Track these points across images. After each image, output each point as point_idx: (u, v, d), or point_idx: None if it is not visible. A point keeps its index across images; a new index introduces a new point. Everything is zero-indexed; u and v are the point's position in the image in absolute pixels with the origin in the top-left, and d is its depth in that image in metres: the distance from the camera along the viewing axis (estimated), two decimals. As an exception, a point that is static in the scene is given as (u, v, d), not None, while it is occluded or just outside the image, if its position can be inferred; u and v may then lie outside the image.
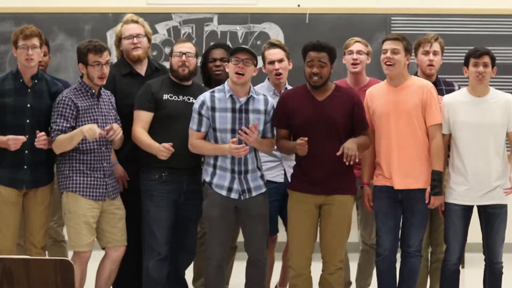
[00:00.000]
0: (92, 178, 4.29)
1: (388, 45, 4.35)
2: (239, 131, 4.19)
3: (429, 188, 4.32)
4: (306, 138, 4.11)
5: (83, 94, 4.32)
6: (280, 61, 4.66)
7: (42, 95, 4.33)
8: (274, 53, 4.67)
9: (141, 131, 4.38)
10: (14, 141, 4.16)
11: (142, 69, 4.71)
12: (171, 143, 4.25)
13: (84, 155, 4.29)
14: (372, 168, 4.44)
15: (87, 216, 4.28)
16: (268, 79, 4.77)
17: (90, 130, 4.14)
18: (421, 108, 4.32)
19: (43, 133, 4.20)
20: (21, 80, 4.30)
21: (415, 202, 4.33)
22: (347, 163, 4.14)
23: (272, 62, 4.67)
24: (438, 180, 4.32)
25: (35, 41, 4.26)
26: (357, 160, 4.19)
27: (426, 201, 4.33)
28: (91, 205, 4.29)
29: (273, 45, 4.73)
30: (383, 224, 4.39)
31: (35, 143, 4.18)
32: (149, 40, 4.74)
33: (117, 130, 4.26)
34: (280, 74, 4.66)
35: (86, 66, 4.29)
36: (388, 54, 4.32)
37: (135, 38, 4.64)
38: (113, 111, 4.43)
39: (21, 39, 4.24)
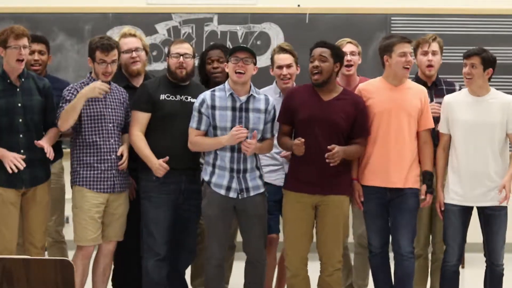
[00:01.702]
0: (99, 171, 4.33)
1: (407, 48, 4.35)
2: (242, 143, 4.17)
3: (425, 187, 4.35)
4: (303, 140, 4.11)
5: None
6: (288, 66, 4.68)
7: (32, 93, 4.34)
8: (283, 59, 4.68)
9: (139, 137, 4.39)
10: (14, 162, 4.18)
11: (138, 82, 4.71)
12: (167, 159, 4.29)
13: (92, 147, 4.33)
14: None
15: (92, 211, 4.32)
16: (276, 82, 4.78)
17: (93, 87, 4.21)
18: (419, 112, 4.36)
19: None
20: (8, 81, 4.30)
21: (405, 200, 4.34)
22: (327, 160, 4.13)
23: (280, 67, 4.68)
24: (431, 180, 4.37)
25: (26, 41, 4.27)
26: (331, 165, 4.16)
27: (422, 197, 4.36)
28: (97, 200, 4.33)
29: (283, 49, 4.74)
30: (372, 223, 4.41)
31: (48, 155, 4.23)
32: (146, 53, 4.76)
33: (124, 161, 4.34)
34: (288, 78, 4.67)
35: (93, 62, 4.35)
36: (410, 57, 4.34)
37: (133, 52, 4.66)
38: (123, 106, 4.45)
39: (12, 39, 4.22)
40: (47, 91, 4.39)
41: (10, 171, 4.17)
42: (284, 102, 4.36)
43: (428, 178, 4.37)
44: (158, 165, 4.31)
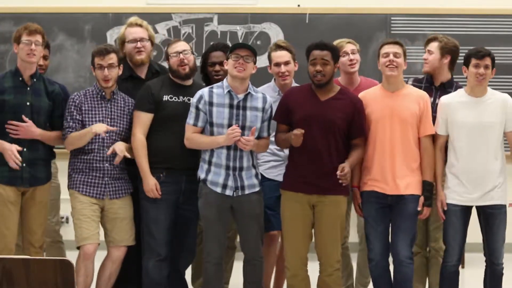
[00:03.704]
0: (90, 177, 4.35)
1: (389, 48, 4.34)
2: (238, 142, 4.18)
3: (423, 198, 4.33)
4: (303, 131, 4.11)
5: (93, 96, 4.41)
6: (286, 63, 4.64)
7: (41, 94, 4.36)
8: (281, 56, 4.65)
9: (141, 143, 4.37)
10: (12, 157, 4.20)
11: (142, 72, 4.71)
12: (158, 184, 4.34)
13: (86, 155, 4.35)
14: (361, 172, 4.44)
15: (85, 210, 4.32)
16: (275, 80, 4.76)
17: (98, 127, 4.24)
18: (417, 118, 4.33)
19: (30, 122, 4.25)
20: (20, 79, 4.32)
21: (405, 206, 4.30)
22: (340, 182, 4.15)
23: (278, 64, 4.65)
24: (430, 191, 4.34)
25: (39, 38, 4.29)
26: (343, 185, 4.20)
27: (419, 209, 4.31)
28: (89, 201, 4.34)
29: (280, 47, 4.70)
30: (373, 229, 4.36)
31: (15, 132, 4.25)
32: (152, 43, 4.75)
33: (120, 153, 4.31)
34: (286, 75, 4.65)
35: (94, 69, 4.39)
36: (391, 57, 4.32)
37: (138, 42, 4.65)
38: (126, 116, 4.45)
39: (25, 35, 4.27)
40: (55, 97, 4.42)
41: (15, 166, 4.19)
42: (281, 101, 4.36)
43: (426, 189, 4.33)
44: (153, 187, 4.34)
